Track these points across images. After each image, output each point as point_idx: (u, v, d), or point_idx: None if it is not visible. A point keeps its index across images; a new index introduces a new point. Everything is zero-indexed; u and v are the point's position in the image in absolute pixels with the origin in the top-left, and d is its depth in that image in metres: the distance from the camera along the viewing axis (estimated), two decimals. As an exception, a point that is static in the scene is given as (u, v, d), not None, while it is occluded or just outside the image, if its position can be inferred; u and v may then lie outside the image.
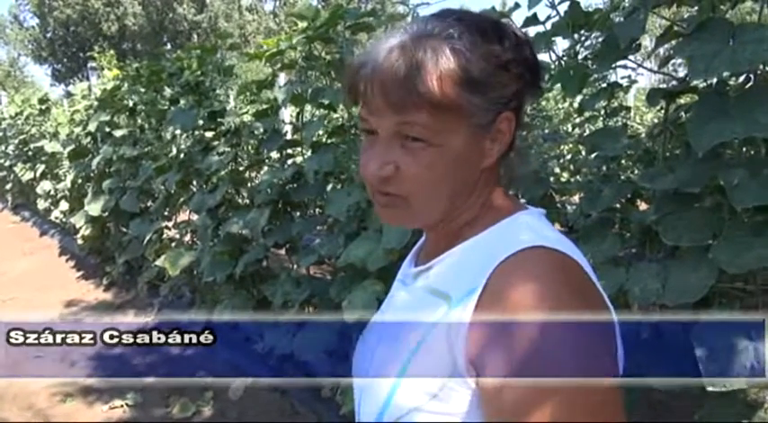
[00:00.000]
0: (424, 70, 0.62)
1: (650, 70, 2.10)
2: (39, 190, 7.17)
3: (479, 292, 0.62)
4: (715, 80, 1.27)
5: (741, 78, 1.32)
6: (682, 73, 1.77)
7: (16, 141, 8.19)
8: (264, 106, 2.87)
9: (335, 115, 2.92)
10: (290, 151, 2.90)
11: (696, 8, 1.44)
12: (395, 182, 0.66)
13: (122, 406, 2.94)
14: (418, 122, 0.64)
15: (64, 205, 6.34)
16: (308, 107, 2.73)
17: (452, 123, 0.64)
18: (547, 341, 0.57)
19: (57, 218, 6.82)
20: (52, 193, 6.91)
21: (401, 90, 0.63)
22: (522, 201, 0.77)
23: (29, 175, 7.73)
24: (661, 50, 1.80)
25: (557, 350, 0.57)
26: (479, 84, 0.64)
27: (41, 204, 7.35)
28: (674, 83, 1.55)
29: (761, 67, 1.21)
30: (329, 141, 2.63)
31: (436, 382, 0.62)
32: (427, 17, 0.68)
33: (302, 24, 2.46)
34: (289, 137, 2.98)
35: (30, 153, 7.58)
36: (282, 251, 3.00)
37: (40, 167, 7.15)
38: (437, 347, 0.63)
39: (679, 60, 1.85)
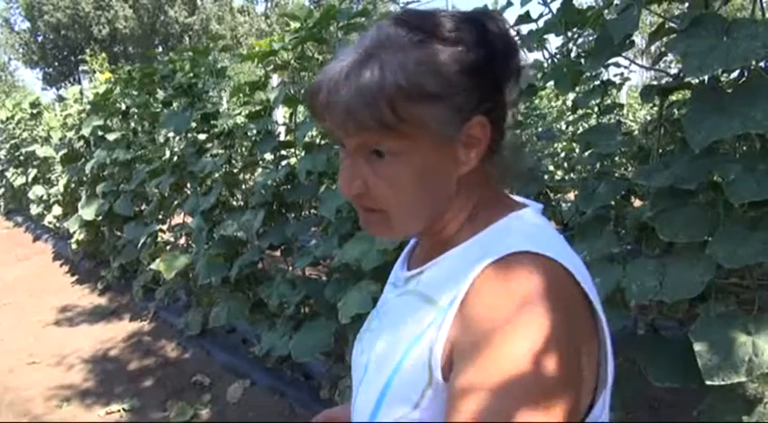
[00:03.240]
0: (372, 93, 0.60)
1: (643, 67, 2.10)
2: (31, 195, 7.12)
3: (461, 299, 0.61)
4: (707, 77, 1.27)
5: (734, 74, 1.33)
6: (674, 70, 1.77)
7: (7, 146, 8.14)
8: (258, 107, 2.86)
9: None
10: (283, 152, 2.90)
11: (687, 5, 1.45)
12: (367, 197, 0.66)
13: (120, 410, 2.92)
14: (379, 142, 0.63)
15: (57, 210, 6.31)
16: (300, 108, 2.73)
17: (413, 138, 0.62)
18: (512, 355, 0.55)
19: (50, 223, 6.79)
20: (45, 197, 6.87)
21: (352, 117, 0.61)
22: (520, 199, 0.75)
23: (21, 180, 7.68)
24: (652, 47, 1.81)
25: (516, 364, 0.54)
26: (435, 96, 0.61)
27: (34, 209, 7.30)
28: (668, 79, 1.55)
29: (754, 62, 1.21)
30: (322, 142, 2.63)
31: (417, 391, 0.61)
32: (379, 27, 0.65)
33: (295, 25, 2.45)
34: (282, 138, 2.98)
35: (21, 158, 7.53)
36: (277, 253, 2.99)
37: (32, 172, 7.11)
38: (421, 355, 0.62)
39: (671, 57, 1.86)
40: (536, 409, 0.53)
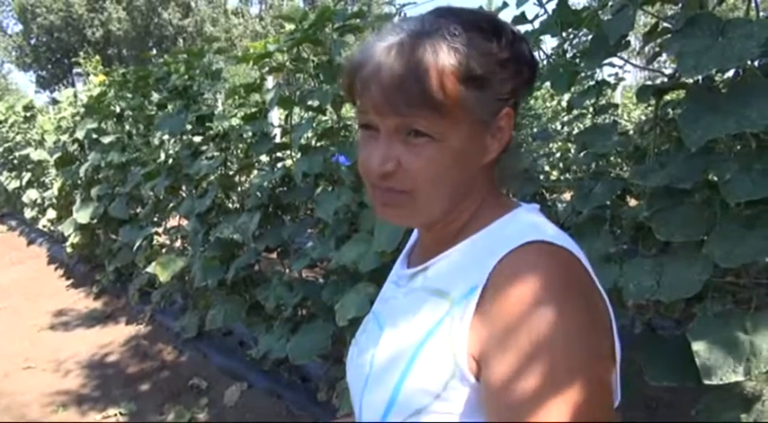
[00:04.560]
0: (424, 69, 0.62)
1: (638, 67, 2.11)
2: (25, 198, 7.10)
3: (481, 289, 0.62)
4: (701, 76, 1.28)
5: (729, 73, 1.33)
6: (669, 69, 1.77)
7: (1, 149, 8.10)
8: (253, 110, 2.85)
9: (324, 118, 2.91)
10: (279, 154, 2.89)
11: (680, 5, 1.45)
12: (397, 177, 0.66)
13: (116, 415, 2.91)
14: (422, 120, 0.63)
15: (51, 213, 6.28)
16: (296, 110, 2.72)
17: (455, 119, 0.64)
18: (549, 337, 0.57)
19: (44, 226, 6.76)
20: (39, 201, 6.84)
21: (402, 90, 0.62)
22: (515, 199, 0.77)
23: (14, 184, 7.65)
24: (646, 47, 1.81)
25: (560, 346, 0.57)
26: (479, 79, 0.64)
27: (28, 213, 7.27)
28: (663, 79, 1.55)
29: (749, 62, 1.21)
30: (318, 144, 2.62)
31: (439, 382, 0.62)
32: (422, 16, 0.68)
33: (290, 27, 2.44)
34: (278, 140, 2.97)
35: (15, 161, 7.50)
36: (274, 255, 2.99)
37: (26, 176, 7.08)
38: (440, 347, 0.63)
39: (664, 56, 1.86)
40: (585, 385, 0.56)
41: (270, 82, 3.03)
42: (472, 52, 0.63)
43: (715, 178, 1.23)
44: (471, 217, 0.71)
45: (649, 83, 2.19)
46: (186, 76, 3.36)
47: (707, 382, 1.11)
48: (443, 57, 0.63)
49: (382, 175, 0.66)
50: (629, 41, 1.42)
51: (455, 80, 0.63)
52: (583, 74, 1.92)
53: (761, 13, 1.31)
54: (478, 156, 0.68)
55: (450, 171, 0.66)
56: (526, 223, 0.68)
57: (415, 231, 0.85)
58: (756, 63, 1.25)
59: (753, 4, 1.26)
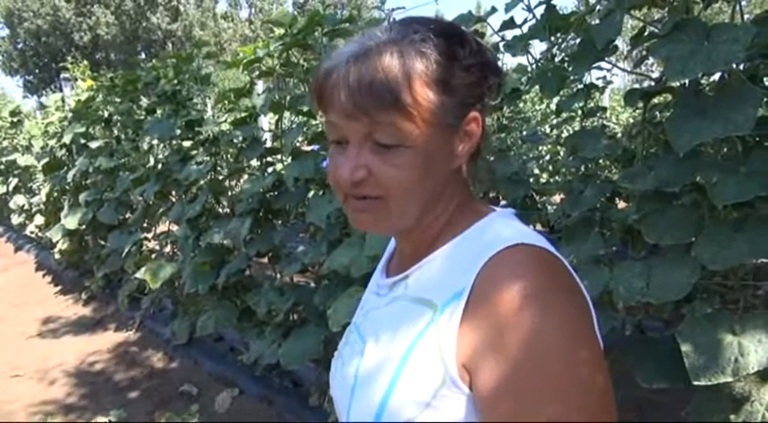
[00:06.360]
0: (393, 71, 0.63)
1: (625, 70, 2.13)
2: (12, 204, 7.03)
3: (466, 296, 0.62)
4: (688, 80, 1.29)
5: (715, 76, 1.34)
6: (656, 73, 1.79)
7: (-13, 155, 8.02)
8: (243, 114, 2.85)
9: (315, 122, 2.91)
10: (270, 159, 2.89)
11: (667, 9, 1.46)
12: (369, 184, 0.66)
13: (105, 423, 2.89)
14: (390, 126, 0.64)
15: (39, 219, 6.23)
16: (286, 114, 2.72)
17: (423, 123, 0.64)
18: (540, 340, 0.57)
19: (32, 232, 6.69)
20: (26, 207, 6.78)
21: (371, 95, 0.63)
22: (503, 203, 0.77)
23: (1, 190, 7.57)
24: (634, 51, 1.83)
25: (550, 349, 0.57)
26: (446, 84, 0.65)
27: (15, 219, 7.20)
28: (651, 83, 1.57)
29: (734, 65, 1.23)
30: (309, 148, 2.62)
31: (429, 391, 0.62)
32: (388, 25, 0.68)
33: (279, 31, 2.45)
34: (268, 144, 2.97)
35: (1, 167, 7.43)
36: (265, 260, 2.98)
37: (13, 181, 7.01)
38: (427, 356, 0.63)
39: (651, 60, 1.88)
40: (584, 385, 0.57)
41: (260, 86, 3.02)
42: (439, 57, 0.64)
43: (703, 181, 1.24)
44: (447, 223, 0.71)
45: (637, 86, 2.21)
46: (175, 81, 3.34)
47: (696, 382, 1.12)
48: (411, 61, 0.63)
49: (353, 183, 0.66)
50: (616, 46, 1.43)
51: (423, 84, 0.63)
52: (571, 77, 1.93)
53: (745, 17, 1.33)
54: (448, 160, 0.68)
55: (420, 176, 0.66)
56: (506, 227, 0.68)
57: (392, 240, 0.85)
58: (742, 66, 1.26)
59: (737, 8, 1.28)
